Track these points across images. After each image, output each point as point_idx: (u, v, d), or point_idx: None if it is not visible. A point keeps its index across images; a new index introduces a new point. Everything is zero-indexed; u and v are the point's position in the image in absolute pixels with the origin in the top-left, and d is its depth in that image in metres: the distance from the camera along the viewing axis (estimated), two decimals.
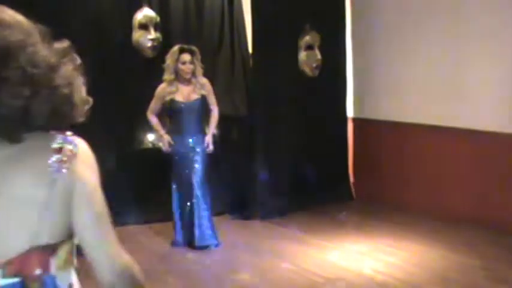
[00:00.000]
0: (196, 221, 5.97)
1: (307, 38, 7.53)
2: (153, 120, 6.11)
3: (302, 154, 7.49)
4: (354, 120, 8.02)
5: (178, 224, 6.10)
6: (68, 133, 1.60)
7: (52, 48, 1.56)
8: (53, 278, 1.55)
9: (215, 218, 6.20)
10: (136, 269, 1.63)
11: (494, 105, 6.38)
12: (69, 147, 1.56)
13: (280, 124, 7.30)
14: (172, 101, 5.98)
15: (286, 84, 7.34)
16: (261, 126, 7.26)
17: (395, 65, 7.45)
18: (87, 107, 1.63)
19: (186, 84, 6.02)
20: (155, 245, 6.25)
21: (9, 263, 1.49)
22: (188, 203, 5.99)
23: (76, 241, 1.61)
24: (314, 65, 7.56)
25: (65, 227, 1.55)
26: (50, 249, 1.53)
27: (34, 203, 1.49)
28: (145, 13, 7.15)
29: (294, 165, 7.42)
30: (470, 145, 6.65)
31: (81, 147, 1.60)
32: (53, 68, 1.53)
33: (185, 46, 6.04)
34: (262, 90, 7.27)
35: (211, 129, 6.15)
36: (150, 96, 6.11)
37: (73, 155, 1.55)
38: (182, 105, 5.96)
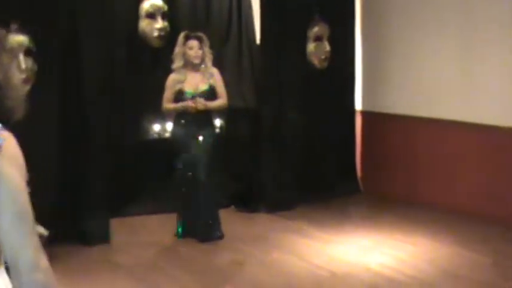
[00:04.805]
0: (200, 213, 5.89)
1: (316, 29, 7.40)
2: (170, 105, 5.92)
3: (309, 147, 7.38)
4: (363, 113, 7.91)
5: (182, 216, 6.01)
6: None
7: None
8: None
9: (220, 210, 6.11)
10: (50, 276, 1.57)
11: (507, 100, 6.26)
12: None
13: (287, 116, 7.20)
14: (181, 91, 5.87)
15: (294, 76, 7.23)
16: (269, 118, 7.15)
17: (406, 57, 7.34)
18: (22, 99, 1.52)
19: (194, 71, 5.91)
20: (159, 236, 6.16)
21: None
22: (193, 194, 5.89)
23: None
24: (323, 56, 7.43)
25: None
26: None
27: None
28: (153, 2, 7.04)
29: (301, 158, 7.31)
30: (481, 139, 6.54)
31: (7, 142, 1.50)
32: None
33: (191, 33, 5.94)
34: (270, 81, 7.16)
35: (209, 103, 5.87)
36: (157, 86, 6.02)
37: None
38: (190, 96, 5.85)
